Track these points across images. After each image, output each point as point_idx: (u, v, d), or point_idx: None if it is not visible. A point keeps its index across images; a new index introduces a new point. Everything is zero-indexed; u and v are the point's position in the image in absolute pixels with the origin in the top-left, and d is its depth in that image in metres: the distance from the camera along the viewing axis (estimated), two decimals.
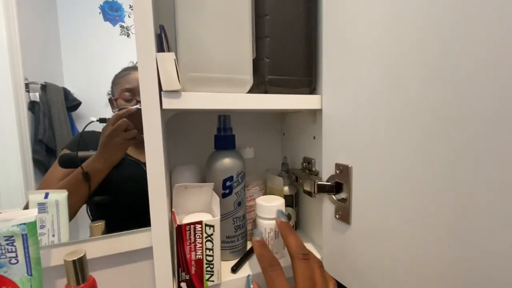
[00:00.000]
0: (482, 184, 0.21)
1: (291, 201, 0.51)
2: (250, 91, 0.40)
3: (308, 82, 0.40)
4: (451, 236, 0.24)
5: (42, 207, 0.47)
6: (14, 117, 1.58)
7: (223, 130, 0.41)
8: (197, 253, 0.37)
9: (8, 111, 1.52)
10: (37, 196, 0.49)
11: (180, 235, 0.35)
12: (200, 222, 0.37)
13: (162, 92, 0.31)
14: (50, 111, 1.88)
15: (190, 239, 0.37)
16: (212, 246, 0.38)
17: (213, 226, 0.37)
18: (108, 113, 1.31)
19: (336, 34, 0.36)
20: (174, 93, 0.31)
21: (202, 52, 0.33)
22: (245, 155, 0.48)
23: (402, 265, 0.28)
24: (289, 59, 0.38)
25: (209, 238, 0.37)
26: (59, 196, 0.50)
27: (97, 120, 1.04)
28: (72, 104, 2.00)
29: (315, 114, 0.44)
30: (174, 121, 0.50)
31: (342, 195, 0.37)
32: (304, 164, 0.48)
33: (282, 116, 0.58)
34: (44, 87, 1.86)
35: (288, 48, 0.38)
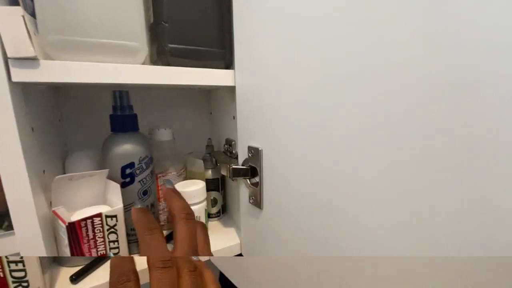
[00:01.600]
0: (373, 164, 0.20)
1: (217, 184, 0.47)
2: (154, 64, 0.34)
3: (220, 55, 0.35)
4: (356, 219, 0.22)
5: None
6: None
7: (120, 109, 0.34)
8: (98, 249, 0.33)
9: None
10: None
11: (74, 234, 0.30)
12: (99, 215, 0.32)
13: (9, 60, 0.24)
14: None
15: (88, 236, 0.32)
16: (117, 238, 0.33)
17: (115, 216, 0.33)
18: None
19: None
20: (29, 61, 0.24)
21: (69, 7, 0.26)
22: (160, 137, 0.42)
23: (309, 252, 0.27)
24: (196, 25, 0.33)
25: (112, 229, 0.33)
26: None
27: None
28: None
29: (234, 91, 0.40)
30: (67, 95, 0.42)
31: (256, 179, 0.35)
32: (226, 146, 0.44)
33: (208, 92, 0.53)
34: None
35: (193, 10, 0.32)
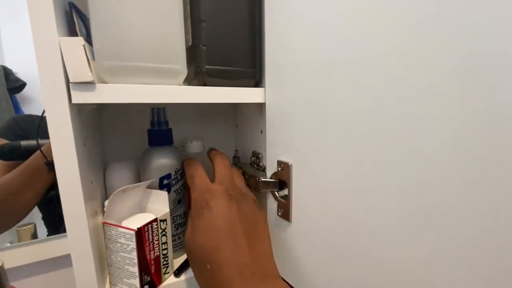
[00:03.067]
0: (424, 186, 0.21)
1: None
2: (190, 83, 0.37)
3: (252, 74, 0.37)
4: (388, 237, 0.23)
5: None
6: None
7: (157, 124, 0.37)
8: (155, 252, 0.35)
9: None
10: None
11: (140, 238, 0.33)
12: (155, 220, 0.34)
13: (70, 84, 0.27)
14: None
15: (148, 239, 0.34)
16: (166, 240, 0.36)
17: (165, 220, 0.36)
18: None
19: (278, 22, 0.33)
20: (86, 85, 0.27)
21: (121, 36, 0.28)
22: (191, 149, 0.45)
23: (340, 264, 0.28)
24: (230, 47, 0.35)
25: (163, 232, 0.36)
26: None
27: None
28: (15, 85, 1.78)
29: (262, 107, 0.42)
30: (109, 110, 0.45)
31: (284, 192, 0.36)
32: (253, 158, 0.46)
33: (234, 105, 0.56)
34: None
35: (228, 34, 0.35)
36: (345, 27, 0.24)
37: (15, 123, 0.68)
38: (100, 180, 0.40)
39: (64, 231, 0.28)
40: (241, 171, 0.42)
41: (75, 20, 0.29)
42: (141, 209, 0.37)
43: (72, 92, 0.27)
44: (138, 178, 0.41)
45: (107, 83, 0.29)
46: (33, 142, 0.51)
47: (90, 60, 0.27)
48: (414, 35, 0.19)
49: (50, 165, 0.49)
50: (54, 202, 0.58)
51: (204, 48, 0.34)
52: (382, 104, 0.22)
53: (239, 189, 0.28)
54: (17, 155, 0.52)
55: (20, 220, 0.52)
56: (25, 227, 0.46)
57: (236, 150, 0.50)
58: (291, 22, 0.31)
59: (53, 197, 0.56)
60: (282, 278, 0.28)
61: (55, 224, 0.57)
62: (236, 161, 0.49)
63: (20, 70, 2.13)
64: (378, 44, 0.21)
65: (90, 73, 0.26)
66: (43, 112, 0.61)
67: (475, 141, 0.16)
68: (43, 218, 0.69)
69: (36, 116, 0.76)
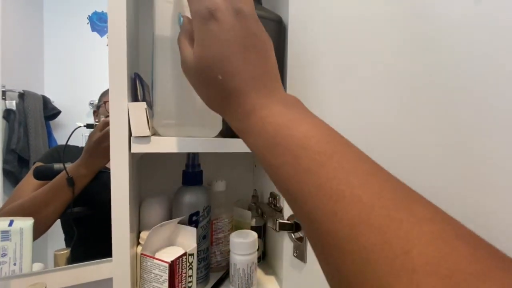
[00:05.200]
0: None
1: (259, 232, 0.53)
2: (222, 132, 0.43)
3: None
4: None
5: (5, 235, 0.47)
6: None
7: (191, 167, 0.43)
8: (182, 284, 0.39)
9: None
10: (1, 224, 0.48)
11: (172, 271, 0.37)
12: (185, 254, 0.38)
13: (131, 138, 0.33)
14: (26, 120, 1.83)
15: (178, 272, 0.38)
16: (192, 273, 0.40)
17: (192, 255, 0.40)
18: (90, 121, 1.29)
19: (298, 77, 0.40)
20: (144, 138, 0.34)
21: (176, 102, 0.36)
22: (216, 188, 0.50)
23: None
24: None
25: (190, 265, 0.39)
26: (24, 224, 0.49)
27: (84, 126, 1.04)
28: (51, 113, 1.96)
29: None
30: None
31: (300, 233, 0.40)
32: (270, 199, 0.50)
33: None
34: (22, 95, 1.81)
35: None
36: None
37: (56, 151, 0.78)
38: (136, 213, 0.45)
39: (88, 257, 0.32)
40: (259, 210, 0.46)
41: (137, 86, 0.37)
42: (171, 243, 0.41)
43: (132, 144, 0.33)
44: (169, 213, 0.46)
45: (160, 135, 0.35)
46: (63, 166, 0.59)
47: (149, 119, 0.33)
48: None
49: (70, 181, 0.56)
50: (71, 223, 0.63)
51: None
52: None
53: (246, 5, 0.25)
54: (49, 175, 0.59)
55: (42, 233, 0.57)
56: (62, 252, 0.51)
57: (254, 189, 0.55)
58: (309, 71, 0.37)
59: (78, 213, 0.62)
60: None
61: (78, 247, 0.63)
62: (254, 201, 0.54)
63: (56, 99, 2.31)
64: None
65: (148, 130, 0.33)
66: (72, 132, 0.69)
67: None
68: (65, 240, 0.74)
69: (73, 146, 0.84)
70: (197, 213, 0.42)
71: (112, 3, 0.33)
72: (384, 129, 0.27)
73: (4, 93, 1.75)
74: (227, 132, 0.42)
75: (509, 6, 0.18)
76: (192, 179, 0.43)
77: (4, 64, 1.75)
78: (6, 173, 1.75)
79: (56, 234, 0.71)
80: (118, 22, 0.33)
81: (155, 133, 0.37)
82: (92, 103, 2.25)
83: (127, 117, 0.33)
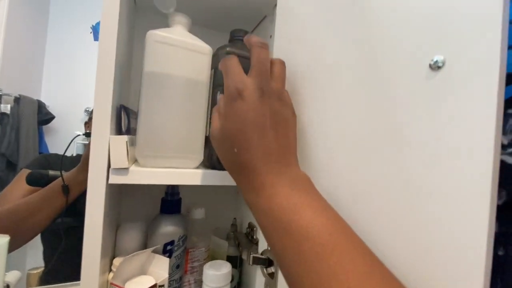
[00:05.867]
0: None
1: (236, 262, 0.53)
2: (202, 164, 0.45)
3: None
4: None
5: None
6: None
7: (170, 195, 0.44)
8: None
9: None
10: None
11: None
12: (155, 285, 0.38)
13: (110, 169, 0.34)
14: (19, 124, 1.82)
15: None
16: None
17: (163, 286, 0.40)
18: (82, 129, 1.28)
19: None
20: (122, 170, 0.35)
21: (159, 135, 0.37)
22: (195, 215, 0.50)
23: None
24: None
25: None
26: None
27: (83, 134, 1.04)
28: (45, 118, 1.97)
29: None
30: None
31: (272, 269, 0.41)
32: (248, 229, 0.51)
33: None
34: (18, 100, 1.81)
35: None
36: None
37: (44, 159, 0.78)
38: (112, 238, 0.45)
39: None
40: (237, 240, 0.47)
41: (122, 117, 0.38)
42: (143, 271, 0.41)
43: (110, 175, 0.34)
44: (146, 239, 0.46)
45: (141, 165, 0.37)
46: (58, 173, 0.59)
47: (128, 151, 0.35)
48: None
49: (65, 188, 0.56)
50: (61, 233, 0.63)
51: None
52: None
53: (274, 87, 0.28)
54: (43, 182, 0.59)
55: (32, 238, 0.58)
56: (35, 272, 0.51)
57: (234, 218, 0.56)
58: None
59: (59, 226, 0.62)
60: None
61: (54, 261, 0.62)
62: (233, 229, 0.54)
63: (51, 104, 2.31)
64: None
65: (127, 162, 0.34)
66: (71, 141, 0.70)
67: None
68: (44, 252, 0.73)
69: (61, 155, 0.86)
70: (172, 243, 0.42)
71: (103, 38, 0.35)
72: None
73: (0, 96, 1.74)
74: (209, 163, 0.43)
75: None
76: (170, 207, 0.44)
77: (4, 68, 1.76)
78: None
79: (36, 241, 0.71)
80: (108, 56, 0.34)
81: (136, 161, 0.38)
82: (88, 110, 2.26)
83: (107, 149, 0.34)
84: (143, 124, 0.37)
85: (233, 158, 0.27)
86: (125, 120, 0.39)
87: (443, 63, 0.22)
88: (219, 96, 0.32)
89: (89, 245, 0.34)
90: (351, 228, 0.22)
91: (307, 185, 0.25)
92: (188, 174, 0.39)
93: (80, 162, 0.59)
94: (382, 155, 0.24)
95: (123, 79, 0.45)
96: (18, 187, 0.65)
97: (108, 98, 0.34)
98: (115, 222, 0.47)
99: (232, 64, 0.29)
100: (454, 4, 0.20)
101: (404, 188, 0.22)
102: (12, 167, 1.67)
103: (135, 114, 0.48)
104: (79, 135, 1.00)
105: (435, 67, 0.22)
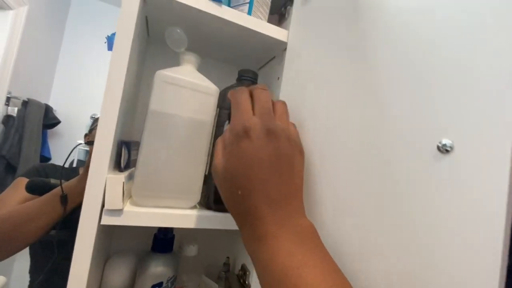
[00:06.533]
0: None
1: None
2: (199, 204, 0.44)
3: None
4: None
5: None
6: None
7: (163, 233, 0.43)
8: None
9: None
10: None
11: None
12: None
13: (103, 209, 0.33)
14: (24, 127, 1.83)
15: None
16: None
17: None
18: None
19: None
20: (115, 211, 0.34)
21: (159, 175, 0.37)
22: (187, 252, 0.49)
23: None
24: None
25: None
26: None
27: (85, 143, 1.05)
28: (50, 122, 1.99)
29: None
30: None
31: None
32: (241, 272, 0.49)
33: None
34: (26, 103, 1.84)
35: None
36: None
37: (41, 168, 0.78)
38: (100, 271, 0.44)
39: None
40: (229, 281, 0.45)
41: (122, 153, 0.38)
42: None
43: (103, 215, 0.33)
44: (134, 275, 0.45)
45: (136, 203, 0.36)
46: (59, 182, 0.58)
47: (124, 192, 0.34)
48: None
49: (63, 198, 0.55)
50: (53, 245, 0.61)
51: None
52: None
53: (280, 125, 0.27)
54: (43, 190, 0.58)
55: (27, 245, 0.58)
56: None
57: (227, 257, 0.54)
58: None
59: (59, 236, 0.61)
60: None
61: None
62: (225, 269, 0.52)
63: (59, 108, 2.33)
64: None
65: (121, 204, 0.33)
66: (73, 149, 0.70)
67: None
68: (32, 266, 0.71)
69: (59, 166, 0.85)
70: (160, 284, 0.41)
71: (112, 76, 0.35)
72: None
73: (8, 99, 1.77)
74: (205, 203, 0.42)
75: None
76: (162, 246, 0.42)
77: (16, 73, 1.80)
78: None
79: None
80: (115, 90, 0.34)
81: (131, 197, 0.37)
82: (93, 117, 2.30)
83: (103, 188, 0.33)
84: (143, 164, 0.36)
85: (237, 200, 0.26)
86: (125, 156, 0.38)
87: (452, 147, 0.21)
88: (226, 127, 0.31)
89: (74, 283, 0.32)
90: None
91: (312, 239, 0.24)
92: (183, 217, 0.38)
93: (80, 173, 0.58)
94: (389, 240, 0.23)
95: (129, 111, 0.45)
96: (15, 195, 0.64)
97: (110, 137, 0.34)
98: (104, 254, 0.46)
99: (243, 99, 0.28)
100: (465, 89, 0.20)
101: (409, 279, 0.21)
102: (11, 170, 1.67)
103: (137, 145, 0.47)
104: (80, 143, 1.00)
105: (444, 150, 0.21)
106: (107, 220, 0.33)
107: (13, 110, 1.62)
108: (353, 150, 0.27)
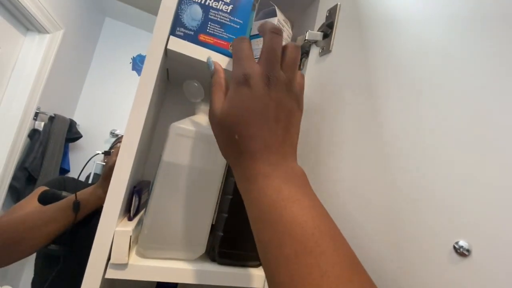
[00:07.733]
0: None
1: None
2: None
3: (256, 257, 0.43)
4: None
5: None
6: (10, 143, 1.62)
7: (166, 283, 0.42)
8: None
9: (9, 136, 1.57)
10: None
11: None
12: None
13: (109, 263, 0.33)
14: (48, 142, 1.91)
15: None
16: None
17: None
18: (106, 148, 1.34)
19: None
20: (120, 265, 0.34)
21: (167, 228, 0.37)
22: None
23: None
24: (244, 235, 0.42)
25: None
26: None
27: (102, 153, 1.09)
28: (73, 136, 2.08)
29: None
30: None
31: None
32: None
33: None
34: (52, 118, 1.93)
35: (242, 226, 0.42)
36: None
37: (62, 180, 0.81)
38: None
39: None
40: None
41: (132, 201, 0.39)
42: None
43: (108, 269, 0.33)
44: None
45: (141, 254, 0.36)
46: (70, 194, 0.61)
47: (130, 246, 0.34)
48: None
49: (76, 205, 0.58)
50: (54, 260, 0.62)
51: (222, 234, 0.41)
52: None
53: (283, 76, 0.26)
54: (54, 202, 0.61)
55: (37, 248, 0.59)
56: None
57: None
58: None
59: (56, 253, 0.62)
60: None
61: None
62: None
63: (82, 123, 2.44)
64: None
65: (127, 258, 0.33)
66: (90, 159, 0.73)
67: None
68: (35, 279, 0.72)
69: (79, 180, 0.90)
70: None
71: (130, 127, 0.36)
72: None
73: (37, 114, 1.87)
74: (210, 255, 0.41)
75: None
76: None
77: (45, 90, 1.90)
78: (11, 188, 1.80)
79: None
80: (130, 148, 0.35)
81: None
82: (113, 132, 2.37)
83: (110, 242, 0.33)
84: (152, 217, 0.37)
85: (233, 145, 0.26)
86: (135, 204, 0.39)
87: (469, 251, 0.20)
88: (213, 64, 0.31)
89: None
90: (338, 230, 0.22)
91: (300, 180, 0.24)
92: (188, 272, 0.37)
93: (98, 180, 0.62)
94: None
95: (143, 155, 0.46)
96: (31, 202, 0.68)
97: (121, 191, 0.34)
98: None
99: (244, 48, 0.28)
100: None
101: None
102: (31, 182, 1.74)
103: (147, 186, 0.48)
104: (98, 153, 1.04)
105: (461, 252, 0.20)
106: (112, 274, 0.33)
107: (40, 125, 1.72)
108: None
